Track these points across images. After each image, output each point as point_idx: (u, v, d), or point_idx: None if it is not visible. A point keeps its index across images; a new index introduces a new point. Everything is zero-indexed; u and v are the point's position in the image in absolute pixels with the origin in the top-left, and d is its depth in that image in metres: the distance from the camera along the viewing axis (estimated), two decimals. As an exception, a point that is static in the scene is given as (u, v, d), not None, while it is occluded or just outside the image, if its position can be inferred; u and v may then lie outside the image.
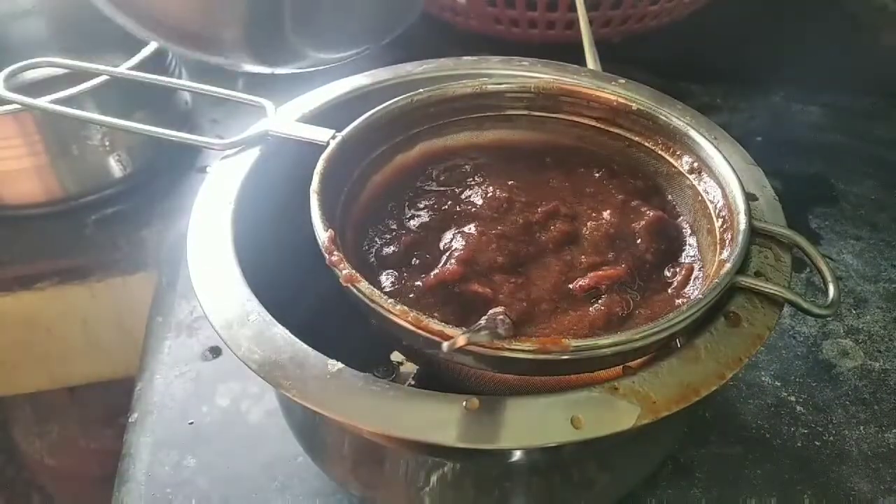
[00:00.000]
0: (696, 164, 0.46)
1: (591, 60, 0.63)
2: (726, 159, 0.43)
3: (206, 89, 0.54)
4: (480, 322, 0.35)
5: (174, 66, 0.77)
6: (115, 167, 0.73)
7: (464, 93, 0.49)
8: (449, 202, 0.47)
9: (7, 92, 0.51)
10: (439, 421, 0.33)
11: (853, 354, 0.58)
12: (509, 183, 0.48)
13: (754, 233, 0.40)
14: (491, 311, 0.36)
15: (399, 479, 0.42)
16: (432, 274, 0.41)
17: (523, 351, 0.34)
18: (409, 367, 0.52)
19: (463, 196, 0.47)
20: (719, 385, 0.34)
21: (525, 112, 0.51)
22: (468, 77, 0.52)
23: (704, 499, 0.48)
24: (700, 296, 0.37)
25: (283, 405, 0.48)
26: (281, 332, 0.37)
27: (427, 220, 0.46)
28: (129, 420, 0.54)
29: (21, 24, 0.85)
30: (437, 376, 0.42)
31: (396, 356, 0.52)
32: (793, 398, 0.54)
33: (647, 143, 0.48)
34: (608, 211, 0.46)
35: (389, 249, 0.43)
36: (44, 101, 0.57)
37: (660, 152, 0.48)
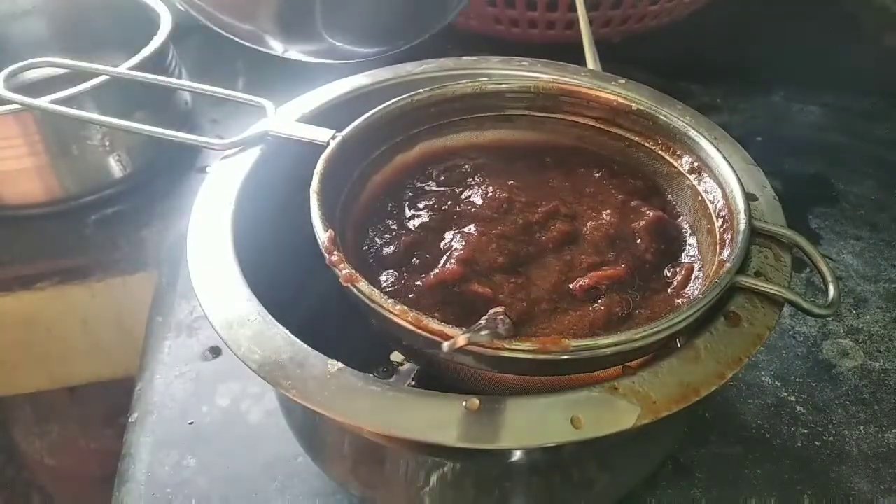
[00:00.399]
0: (696, 164, 0.46)
1: (591, 60, 0.63)
2: (726, 159, 0.43)
3: (206, 89, 0.54)
4: (480, 322, 0.35)
5: (174, 66, 0.77)
6: (115, 167, 0.73)
7: (464, 93, 0.49)
8: (449, 202, 0.47)
9: (7, 92, 0.51)
10: (439, 421, 0.33)
11: (853, 354, 0.58)
12: (509, 183, 0.47)
13: (754, 233, 0.40)
14: (491, 311, 0.36)
15: (399, 479, 0.42)
16: (432, 274, 0.41)
17: (523, 351, 0.34)
18: (409, 367, 0.52)
19: (463, 196, 0.47)
20: (719, 385, 0.34)
21: (525, 112, 0.51)
22: (468, 77, 0.52)
23: (704, 499, 0.48)
24: (700, 296, 0.37)
25: (283, 405, 0.48)
26: (281, 332, 0.37)
27: (427, 220, 0.46)
28: (129, 420, 0.54)
29: (21, 24, 0.85)
30: (437, 376, 0.42)
31: (396, 356, 0.52)
32: (793, 398, 0.54)
33: (647, 143, 0.48)
34: (608, 211, 0.46)
35: (389, 249, 0.43)
36: (44, 101, 0.57)
37: (660, 152, 0.48)
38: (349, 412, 0.33)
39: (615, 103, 0.49)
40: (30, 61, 0.55)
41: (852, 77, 0.91)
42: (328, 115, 0.50)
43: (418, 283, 0.41)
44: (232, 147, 0.49)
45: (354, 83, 0.53)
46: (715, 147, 0.44)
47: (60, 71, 0.73)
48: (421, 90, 0.48)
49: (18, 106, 0.59)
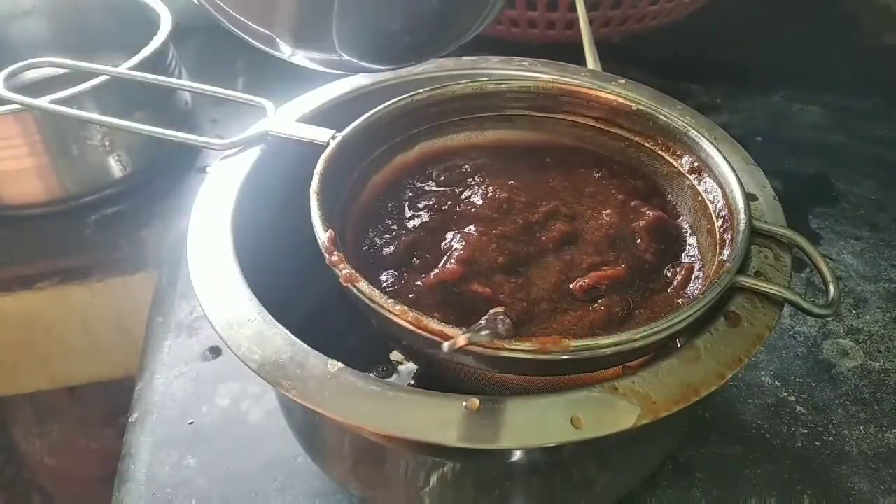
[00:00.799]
0: (696, 164, 0.46)
1: (591, 60, 0.63)
2: (726, 159, 0.43)
3: (206, 89, 0.54)
4: (481, 322, 0.35)
5: (174, 66, 0.77)
6: (115, 167, 0.73)
7: (464, 93, 0.49)
8: (449, 202, 0.47)
9: (7, 92, 0.51)
10: (439, 421, 0.33)
11: (853, 354, 0.58)
12: (509, 183, 0.47)
13: (754, 233, 0.40)
14: (491, 311, 0.36)
15: (399, 479, 0.42)
16: (432, 274, 0.41)
17: (523, 351, 0.34)
18: (409, 367, 0.52)
19: (463, 196, 0.47)
20: (719, 385, 0.34)
21: (525, 112, 0.51)
22: (468, 77, 0.52)
23: (704, 499, 0.48)
24: (700, 296, 0.37)
25: (283, 405, 0.48)
26: (281, 332, 0.37)
27: (427, 220, 0.46)
28: (129, 420, 0.54)
29: (21, 24, 0.85)
30: (437, 376, 0.42)
31: (396, 356, 0.52)
32: (793, 398, 0.54)
33: (647, 143, 0.48)
34: (608, 211, 0.46)
35: (389, 249, 0.43)
36: (44, 101, 0.57)
37: (660, 152, 0.48)
38: (349, 412, 0.33)
39: (615, 103, 0.49)
40: (30, 61, 0.55)
41: (852, 77, 0.91)
42: (328, 115, 0.50)
43: (418, 283, 0.41)
44: (232, 147, 0.49)
45: (354, 83, 0.53)
46: (715, 147, 0.44)
47: (60, 71, 0.73)
48: (421, 90, 0.48)
49: (18, 106, 0.59)
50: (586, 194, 0.48)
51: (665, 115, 0.47)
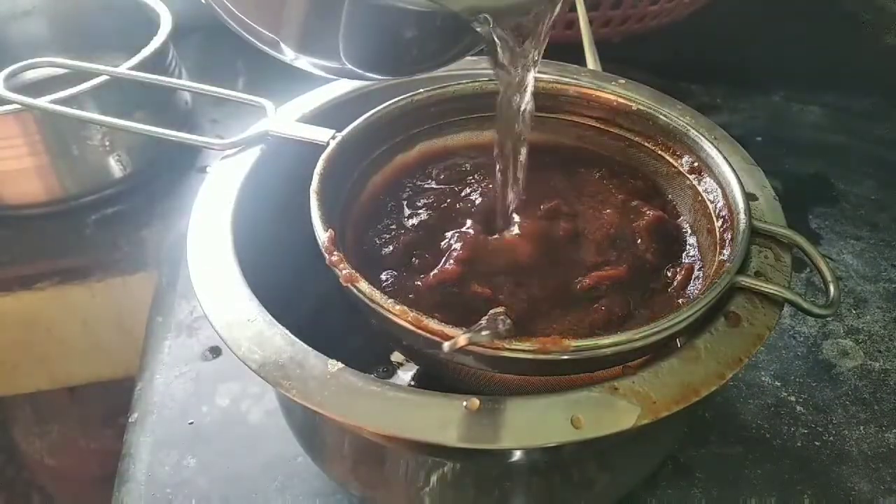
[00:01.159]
0: (696, 164, 0.46)
1: (591, 60, 0.63)
2: (726, 159, 0.43)
3: (206, 89, 0.54)
4: (481, 322, 0.35)
5: (174, 66, 0.77)
6: (115, 167, 0.73)
7: (464, 93, 0.49)
8: (449, 202, 0.47)
9: (7, 92, 0.51)
10: (439, 421, 0.33)
11: (853, 354, 0.58)
12: (509, 183, 0.47)
13: (754, 233, 0.40)
14: (491, 311, 0.36)
15: (399, 479, 0.42)
16: (432, 274, 0.41)
17: (523, 351, 0.34)
18: (409, 367, 0.52)
19: (463, 195, 0.47)
20: (719, 385, 0.34)
21: (525, 112, 0.51)
22: (468, 77, 0.52)
23: (704, 499, 0.48)
24: (700, 296, 0.37)
25: (283, 405, 0.48)
26: (281, 332, 0.37)
27: (427, 219, 0.46)
28: (129, 420, 0.54)
29: (21, 24, 0.85)
30: (438, 376, 0.42)
31: (396, 356, 0.52)
32: (793, 398, 0.54)
33: (647, 143, 0.48)
34: (608, 211, 0.46)
35: (389, 249, 0.43)
36: (44, 101, 0.57)
37: (660, 152, 0.48)
38: (349, 412, 0.33)
39: (615, 103, 0.49)
40: (30, 61, 0.55)
41: (852, 77, 0.91)
42: (328, 115, 0.50)
43: (418, 282, 0.41)
44: (232, 147, 0.49)
45: (354, 83, 0.53)
46: (715, 147, 0.44)
47: (60, 71, 0.73)
48: (421, 90, 0.48)
49: (18, 106, 0.59)
50: (586, 194, 0.48)
51: (665, 115, 0.47)
